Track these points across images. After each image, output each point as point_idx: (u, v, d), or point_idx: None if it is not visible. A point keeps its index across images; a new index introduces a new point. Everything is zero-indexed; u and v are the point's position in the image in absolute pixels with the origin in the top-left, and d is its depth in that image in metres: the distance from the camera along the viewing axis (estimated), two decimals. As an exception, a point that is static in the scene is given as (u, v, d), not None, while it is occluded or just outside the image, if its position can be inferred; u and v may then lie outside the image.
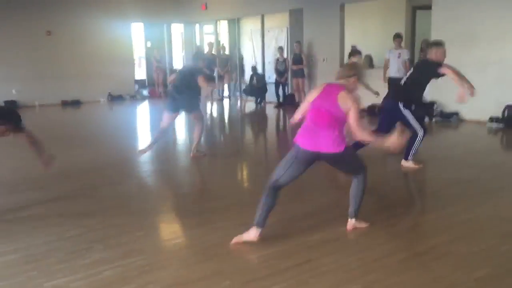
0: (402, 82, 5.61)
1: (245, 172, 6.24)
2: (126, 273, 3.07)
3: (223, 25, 17.49)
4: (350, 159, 3.62)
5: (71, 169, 5.91)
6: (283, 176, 3.48)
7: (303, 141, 3.47)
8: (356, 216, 3.71)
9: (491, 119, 8.30)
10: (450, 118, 8.86)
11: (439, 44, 5.53)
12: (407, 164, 5.66)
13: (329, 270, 3.06)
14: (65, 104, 13.72)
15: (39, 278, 3.00)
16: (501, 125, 8.12)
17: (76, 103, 13.86)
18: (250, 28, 16.75)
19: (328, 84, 3.61)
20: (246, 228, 3.51)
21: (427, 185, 5.32)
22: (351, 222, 3.71)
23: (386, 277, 2.95)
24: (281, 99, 12.25)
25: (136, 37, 16.64)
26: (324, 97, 3.48)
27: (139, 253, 3.39)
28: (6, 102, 12.89)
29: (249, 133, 9.95)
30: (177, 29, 17.35)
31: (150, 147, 6.39)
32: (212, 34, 16.02)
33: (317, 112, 3.47)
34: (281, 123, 10.76)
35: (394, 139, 3.43)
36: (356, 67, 3.77)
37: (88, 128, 10.02)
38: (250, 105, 13.07)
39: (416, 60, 10.51)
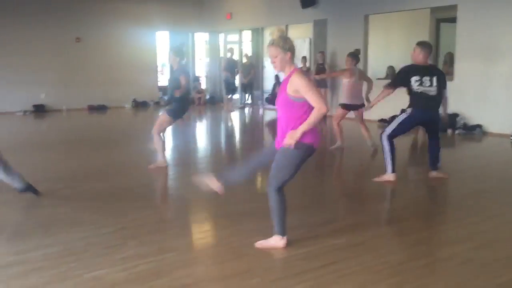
0: (435, 93, 5.44)
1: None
2: (160, 268, 3.23)
3: (246, 34, 17.74)
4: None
5: (101, 170, 6.13)
6: (291, 177, 3.47)
7: (317, 140, 3.47)
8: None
9: (515, 132, 8.31)
10: (473, 131, 8.87)
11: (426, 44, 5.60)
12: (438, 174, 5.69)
13: (355, 271, 3.17)
14: (91, 109, 14.07)
15: (79, 269, 3.17)
16: (525, 139, 8.12)
17: (102, 108, 14.19)
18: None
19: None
20: (271, 230, 3.65)
21: (449, 195, 5.37)
22: None
23: (411, 280, 3.05)
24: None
25: (160, 45, 16.99)
26: None
27: (171, 250, 3.55)
28: (35, 106, 13.32)
29: (270, 140, 10.09)
30: (200, 38, 17.66)
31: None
32: (236, 44, 16.29)
33: None
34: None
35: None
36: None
37: (114, 132, 10.29)
38: (273, 114, 13.23)
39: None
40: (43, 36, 13.27)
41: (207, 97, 16.30)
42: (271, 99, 13.48)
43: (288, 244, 3.57)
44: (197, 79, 17.04)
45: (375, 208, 4.76)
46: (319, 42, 12.37)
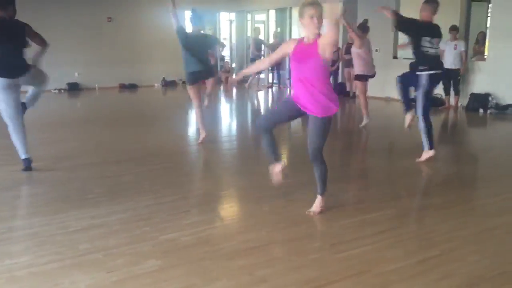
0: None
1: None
2: (226, 232, 3.51)
3: (273, 14, 17.79)
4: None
5: (147, 146, 6.42)
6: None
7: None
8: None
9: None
10: (506, 110, 8.93)
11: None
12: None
13: (409, 238, 3.39)
14: (122, 87, 14.38)
15: (152, 232, 3.45)
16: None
17: (133, 87, 14.49)
18: (297, 17, 17.00)
19: None
20: (325, 201, 3.91)
21: (486, 172, 5.49)
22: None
23: (462, 246, 3.26)
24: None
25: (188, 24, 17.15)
26: None
27: (232, 218, 3.84)
28: (69, 84, 13.68)
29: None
30: (226, 17, 17.76)
31: None
32: (262, 23, 16.37)
33: None
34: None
35: None
36: None
37: (150, 110, 10.59)
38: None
39: (470, 51, 10.56)
40: (76, 17, 13.53)
41: (234, 76, 16.47)
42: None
43: (342, 212, 3.82)
44: (223, 58, 17.20)
45: (417, 183, 4.95)
46: (349, 20, 12.37)
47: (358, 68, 7.77)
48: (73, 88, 13.69)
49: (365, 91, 7.83)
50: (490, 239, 3.40)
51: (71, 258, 3.04)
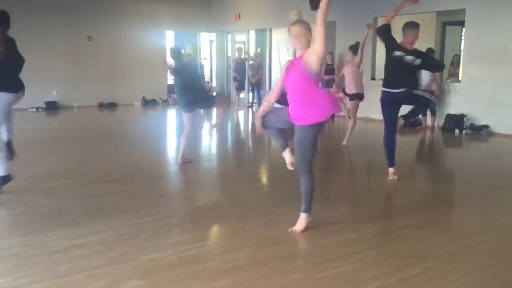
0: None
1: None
2: (209, 252, 3.51)
3: (253, 34, 18.02)
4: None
5: (126, 165, 6.38)
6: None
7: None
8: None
9: (521, 133, 8.60)
10: (481, 131, 9.15)
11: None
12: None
13: (390, 256, 3.44)
14: (101, 106, 14.29)
15: (134, 252, 3.42)
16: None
17: (112, 106, 14.42)
18: (277, 38, 17.22)
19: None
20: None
21: (466, 191, 5.59)
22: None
23: (442, 264, 3.31)
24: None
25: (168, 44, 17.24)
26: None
27: (215, 237, 3.84)
28: (47, 102, 13.53)
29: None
30: (206, 38, 17.90)
31: None
32: (242, 43, 16.55)
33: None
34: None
35: None
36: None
37: (128, 129, 10.53)
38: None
39: (445, 74, 10.84)
40: (56, 35, 13.50)
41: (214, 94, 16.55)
42: (279, 99, 13.71)
43: (324, 231, 3.85)
44: (204, 78, 17.29)
45: (396, 202, 5.03)
46: (327, 43, 12.59)
47: (352, 87, 7.88)
48: (51, 107, 13.55)
49: (355, 110, 7.98)
50: (468, 258, 3.46)
51: (51, 279, 2.99)
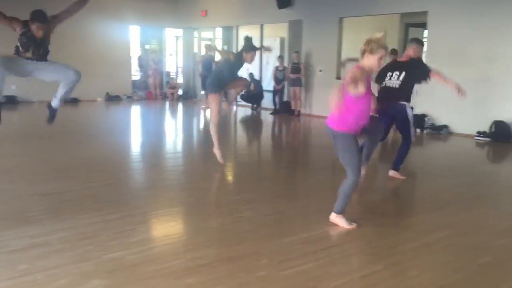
0: (396, 85, 5.56)
1: (263, 171, 6.65)
2: (173, 250, 3.47)
3: (219, 32, 17.96)
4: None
5: (89, 162, 6.25)
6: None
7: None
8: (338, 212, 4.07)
9: (479, 133, 8.88)
10: (441, 131, 9.42)
11: (420, 42, 5.80)
12: (395, 174, 5.88)
13: (353, 253, 3.50)
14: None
15: (96, 251, 3.35)
16: (488, 139, 8.71)
17: (74, 101, 14.07)
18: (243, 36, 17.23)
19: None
20: (271, 218, 4.04)
21: (425, 189, 5.77)
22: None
23: (403, 260, 3.40)
24: (277, 106, 12.73)
25: (133, 39, 16.98)
26: None
27: (180, 235, 3.81)
28: (5, 97, 13.06)
29: (257, 135, 10.39)
30: (172, 33, 17.72)
31: None
32: (210, 41, 16.46)
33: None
34: (277, 128, 11.21)
35: None
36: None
37: (93, 125, 10.32)
38: (246, 111, 13.53)
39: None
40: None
41: (180, 92, 16.40)
42: (246, 96, 13.74)
43: (288, 229, 3.88)
44: (169, 74, 17.12)
45: (359, 200, 5.10)
46: (294, 42, 12.71)
47: None
48: (10, 102, 13.09)
49: None
50: (428, 254, 3.56)
51: (9, 279, 2.90)
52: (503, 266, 3.39)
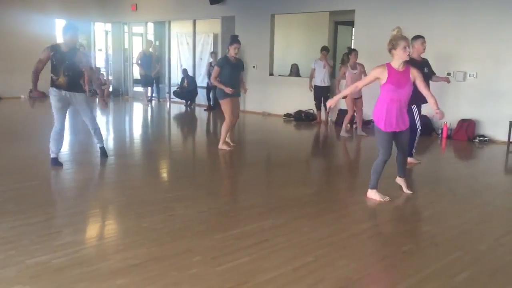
0: None
1: (198, 168, 6.59)
2: (103, 251, 3.36)
3: (151, 27, 17.59)
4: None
5: (11, 163, 5.92)
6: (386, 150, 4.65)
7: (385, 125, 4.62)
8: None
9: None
10: (369, 125, 9.79)
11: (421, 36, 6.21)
12: (411, 160, 6.35)
13: (285, 247, 3.55)
14: (-17, 98, 13.12)
15: (19, 256, 3.18)
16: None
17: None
18: (176, 31, 16.97)
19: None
20: (205, 214, 4.01)
21: (355, 181, 5.98)
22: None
23: (333, 251, 3.49)
24: (212, 103, 12.68)
25: (59, 34, 16.26)
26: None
27: (110, 236, 3.69)
28: None
29: (190, 132, 10.28)
30: (100, 28, 17.13)
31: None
32: (140, 36, 16.09)
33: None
34: (212, 124, 11.18)
35: None
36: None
37: (15, 123, 9.77)
38: (180, 107, 13.37)
39: (337, 70, 11.43)
40: None
41: (111, 89, 15.92)
42: (180, 93, 13.58)
43: (221, 225, 3.89)
44: (99, 70, 16.54)
45: (292, 194, 5.20)
46: (227, 38, 12.67)
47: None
48: None
49: (353, 107, 8.94)
50: (355, 244, 3.69)
51: None
52: (426, 252, 3.58)
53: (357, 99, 9.00)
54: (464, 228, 4.09)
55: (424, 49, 6.20)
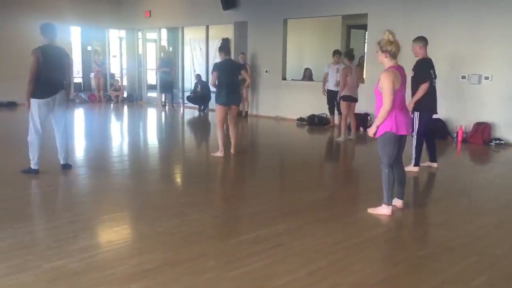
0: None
1: (211, 172, 6.62)
2: (118, 256, 3.39)
3: (164, 33, 17.74)
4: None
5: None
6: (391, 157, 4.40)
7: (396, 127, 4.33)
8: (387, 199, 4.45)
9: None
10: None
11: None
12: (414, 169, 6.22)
13: (299, 251, 3.55)
14: (0, 105, 13.30)
15: (36, 261, 3.22)
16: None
17: (11, 105, 13.46)
18: (189, 37, 17.08)
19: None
20: (219, 219, 4.04)
21: (369, 185, 5.93)
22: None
23: (347, 256, 3.48)
24: (224, 107, 12.72)
25: (75, 40, 16.51)
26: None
27: (125, 241, 3.72)
28: None
29: (205, 137, 10.33)
30: (115, 35, 17.32)
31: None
32: (153, 42, 16.23)
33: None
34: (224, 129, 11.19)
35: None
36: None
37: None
38: (194, 112, 13.45)
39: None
40: None
41: (125, 95, 16.07)
42: (193, 98, 13.66)
43: (235, 230, 3.89)
44: (113, 76, 16.74)
45: (306, 199, 5.19)
46: (239, 43, 12.76)
47: (345, 91, 8.68)
48: None
49: (347, 111, 8.79)
50: (370, 249, 3.67)
51: None
52: (441, 257, 3.54)
53: (352, 103, 8.93)
54: (480, 233, 4.04)
55: (418, 53, 6.46)
